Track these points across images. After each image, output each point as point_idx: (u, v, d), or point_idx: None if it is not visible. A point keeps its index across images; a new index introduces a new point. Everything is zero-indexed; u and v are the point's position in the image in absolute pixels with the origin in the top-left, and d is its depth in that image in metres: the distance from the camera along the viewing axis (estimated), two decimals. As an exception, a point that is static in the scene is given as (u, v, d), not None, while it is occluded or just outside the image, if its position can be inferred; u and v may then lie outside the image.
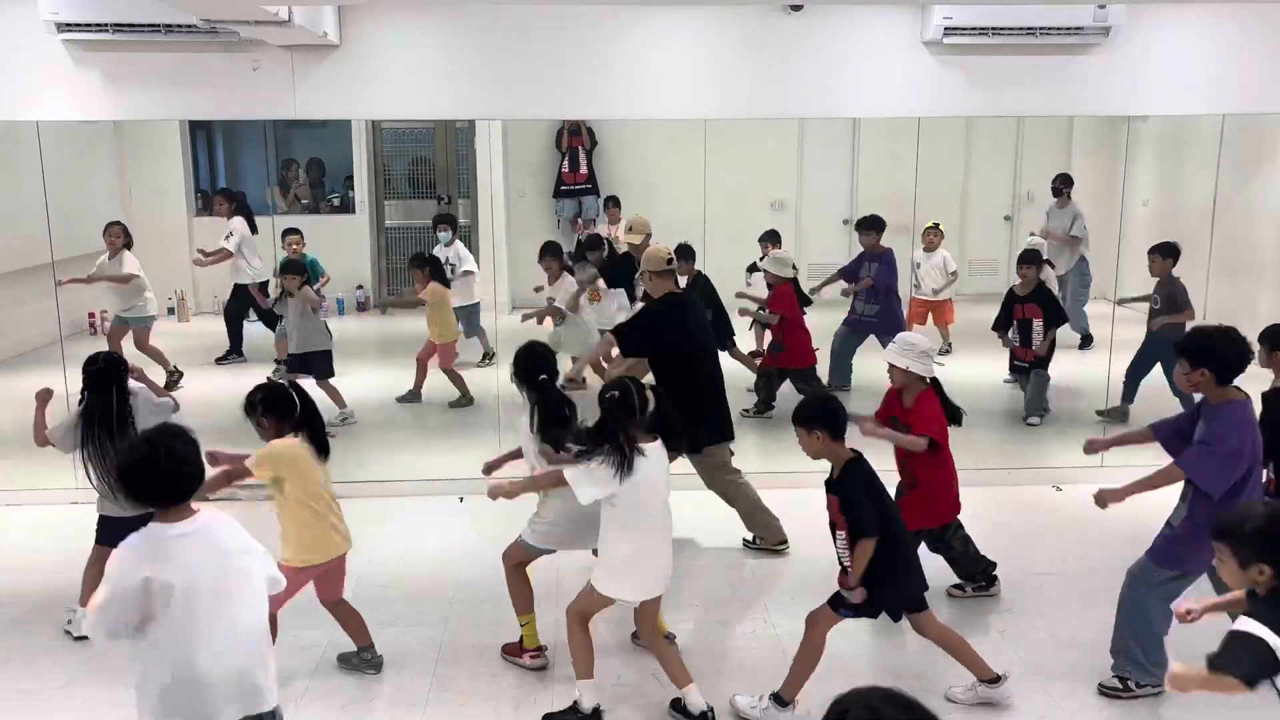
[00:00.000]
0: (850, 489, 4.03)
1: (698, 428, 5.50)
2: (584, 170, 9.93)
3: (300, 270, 7.70)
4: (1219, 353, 4.14)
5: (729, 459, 5.84)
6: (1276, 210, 8.78)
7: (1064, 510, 6.39)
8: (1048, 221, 9.31)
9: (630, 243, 7.34)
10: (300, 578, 4.33)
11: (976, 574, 5.20)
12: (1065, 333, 8.60)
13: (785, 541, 5.75)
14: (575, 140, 9.89)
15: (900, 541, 4.10)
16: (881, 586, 4.08)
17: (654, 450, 4.06)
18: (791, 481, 5.68)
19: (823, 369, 7.98)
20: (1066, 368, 8.08)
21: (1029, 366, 7.74)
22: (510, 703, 4.32)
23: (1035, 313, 7.61)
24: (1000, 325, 7.85)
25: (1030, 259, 7.72)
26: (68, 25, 6.06)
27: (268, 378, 4.87)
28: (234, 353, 8.94)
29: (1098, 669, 4.41)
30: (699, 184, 7.14)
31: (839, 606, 4.11)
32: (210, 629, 2.94)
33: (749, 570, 5.63)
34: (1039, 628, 4.90)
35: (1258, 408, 4.40)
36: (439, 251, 8.62)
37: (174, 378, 8.29)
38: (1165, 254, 7.42)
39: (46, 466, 5.08)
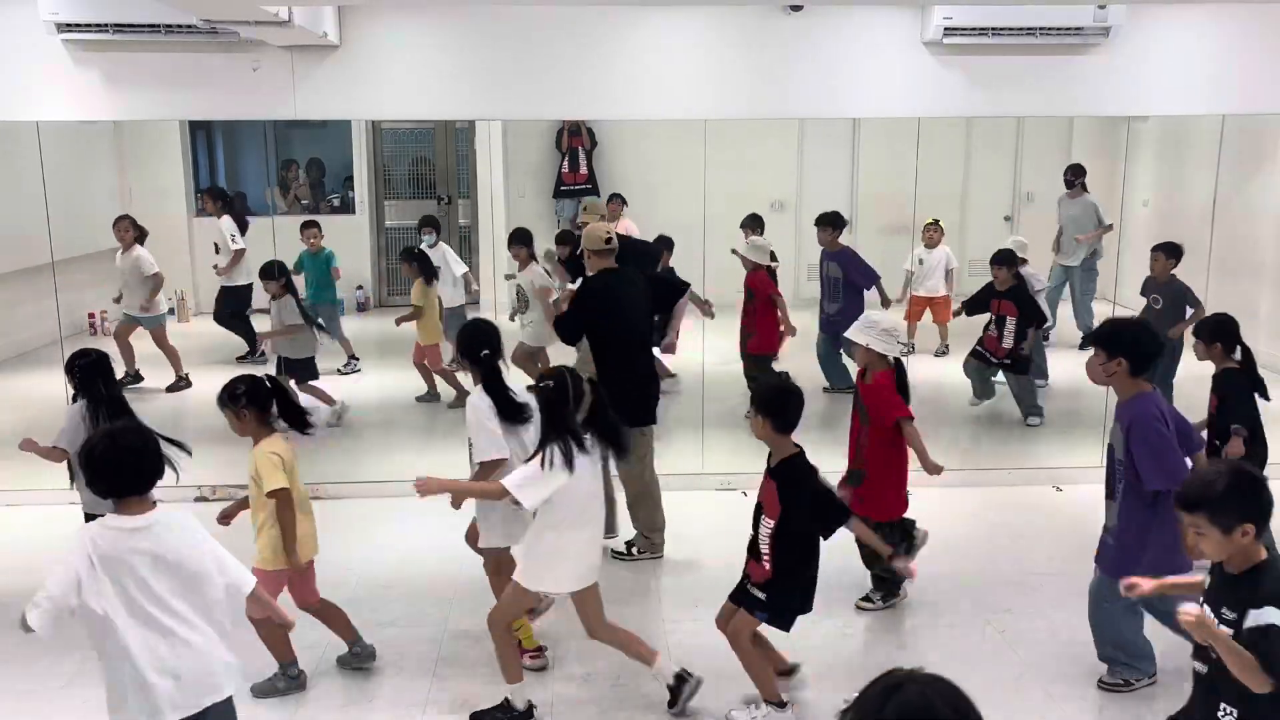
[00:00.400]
0: (801, 478, 4.01)
1: (623, 409, 5.57)
2: (584, 171, 9.92)
3: (278, 275, 7.54)
4: (1136, 342, 4.12)
5: (651, 449, 5.80)
6: (1276, 210, 8.78)
7: (1064, 510, 6.39)
8: (1059, 212, 9.28)
9: (584, 222, 7.23)
10: (281, 580, 4.32)
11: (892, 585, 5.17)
12: (1070, 331, 8.61)
13: (661, 546, 5.78)
14: (575, 140, 9.88)
15: (818, 548, 4.10)
16: (801, 592, 4.10)
17: (590, 443, 4.05)
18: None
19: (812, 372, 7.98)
20: (1066, 367, 8.08)
21: (994, 361, 7.71)
22: (510, 703, 4.32)
23: (1010, 310, 7.60)
24: (971, 308, 7.88)
25: (1002, 259, 7.69)
26: (68, 25, 6.06)
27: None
28: (252, 352, 8.80)
29: (1097, 669, 4.42)
30: (699, 184, 7.14)
31: (754, 610, 4.10)
32: (157, 623, 2.99)
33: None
34: (1039, 628, 4.90)
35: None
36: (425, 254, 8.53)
37: (182, 384, 8.27)
38: (1169, 254, 7.40)
39: (46, 466, 5.08)
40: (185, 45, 6.23)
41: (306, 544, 4.39)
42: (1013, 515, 6.30)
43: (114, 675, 3.04)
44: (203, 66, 6.31)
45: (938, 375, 8.67)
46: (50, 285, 7.27)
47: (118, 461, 3.04)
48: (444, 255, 8.61)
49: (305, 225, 8.67)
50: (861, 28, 6.53)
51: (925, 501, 6.40)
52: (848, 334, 5.00)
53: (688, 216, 7.63)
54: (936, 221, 8.81)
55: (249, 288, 8.64)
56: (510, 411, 4.38)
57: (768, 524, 4.03)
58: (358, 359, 8.85)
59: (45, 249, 6.99)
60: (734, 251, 7.87)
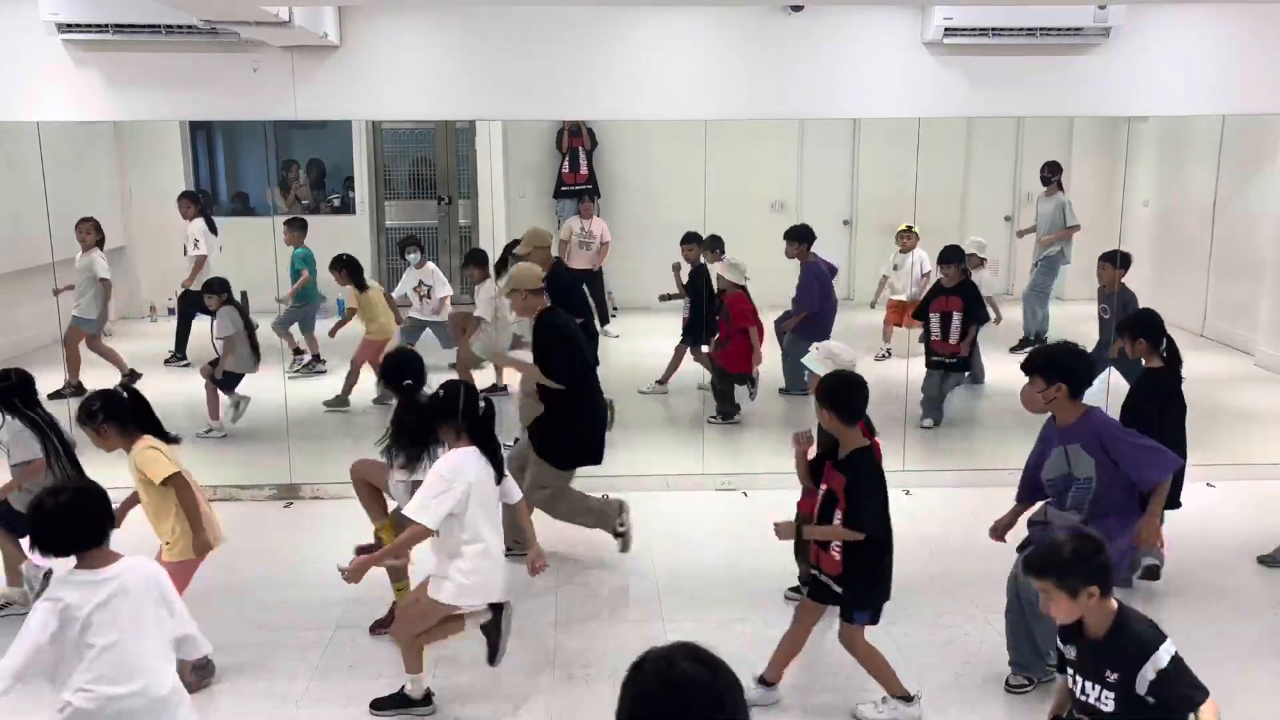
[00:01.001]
0: (861, 476, 4.01)
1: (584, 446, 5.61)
2: (584, 171, 9.92)
3: (221, 290, 7.51)
4: (1071, 367, 4.18)
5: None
6: (1276, 210, 8.78)
7: (1064, 510, 6.38)
8: (1036, 208, 9.29)
9: (524, 253, 6.78)
10: (189, 571, 4.32)
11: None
12: (1054, 330, 8.60)
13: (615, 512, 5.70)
14: (576, 141, 9.88)
15: (891, 543, 4.12)
16: (880, 586, 4.11)
17: (476, 455, 4.05)
18: (778, 483, 5.62)
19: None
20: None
21: (945, 363, 7.63)
22: (511, 703, 4.32)
23: (956, 305, 7.53)
24: (920, 315, 7.78)
25: (949, 257, 7.61)
26: (68, 26, 6.06)
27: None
28: (179, 355, 8.72)
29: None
30: (699, 185, 7.14)
31: (852, 619, 4.12)
32: (108, 665, 3.06)
33: (749, 570, 5.62)
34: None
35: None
36: (410, 274, 8.49)
37: (67, 390, 7.89)
38: (1115, 264, 7.28)
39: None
40: (185, 46, 6.23)
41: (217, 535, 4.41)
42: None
43: (66, 706, 3.11)
44: (203, 67, 6.31)
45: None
46: (50, 285, 7.28)
47: (68, 523, 3.10)
48: (434, 274, 8.56)
49: (287, 223, 8.61)
50: (861, 28, 6.53)
51: (927, 501, 6.43)
52: (806, 362, 4.92)
53: (688, 217, 7.63)
54: (910, 228, 8.80)
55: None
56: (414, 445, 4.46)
57: (840, 515, 4.04)
58: (304, 354, 8.82)
59: (46, 250, 6.99)
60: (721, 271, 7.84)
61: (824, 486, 4.15)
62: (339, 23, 6.27)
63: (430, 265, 8.65)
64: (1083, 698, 3.03)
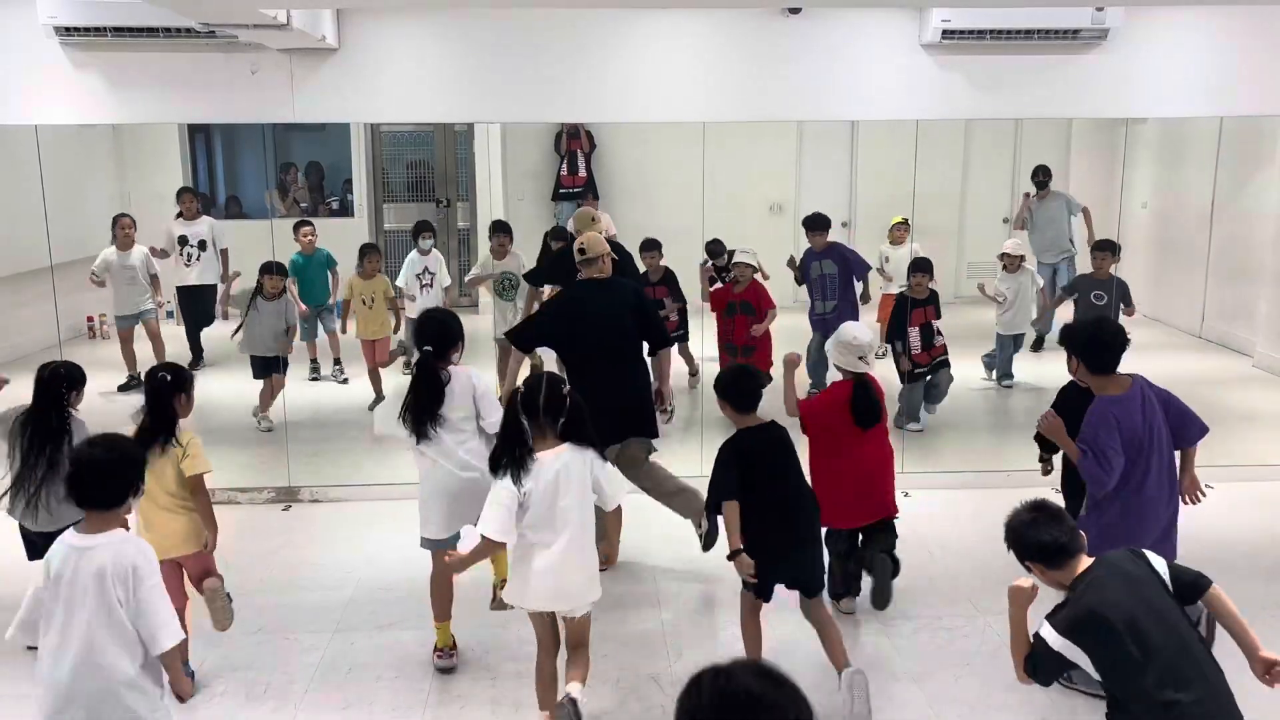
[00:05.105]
0: (720, 454, 4.17)
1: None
2: (583, 174, 9.93)
3: (284, 272, 7.58)
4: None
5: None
6: (1275, 211, 8.79)
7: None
8: (1027, 214, 9.29)
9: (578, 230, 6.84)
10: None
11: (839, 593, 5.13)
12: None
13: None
14: (574, 143, 9.89)
15: (768, 515, 4.15)
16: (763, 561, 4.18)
17: (551, 457, 3.77)
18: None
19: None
20: (1048, 370, 8.08)
21: (928, 369, 7.56)
22: (510, 704, 4.32)
23: (934, 314, 7.55)
24: (898, 334, 7.52)
25: (922, 266, 7.58)
26: (66, 29, 6.07)
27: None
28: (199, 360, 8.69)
29: (1098, 670, 4.41)
30: (698, 187, 7.14)
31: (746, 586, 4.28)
32: (58, 643, 3.09)
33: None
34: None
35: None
36: (416, 260, 8.36)
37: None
38: (1115, 252, 7.43)
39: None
40: (184, 48, 6.23)
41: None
42: (1012, 517, 6.28)
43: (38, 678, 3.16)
44: (201, 70, 6.31)
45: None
46: (49, 289, 7.26)
47: (81, 474, 3.13)
48: (439, 263, 8.53)
49: (298, 224, 8.59)
50: (859, 31, 6.54)
51: (926, 503, 6.43)
52: (830, 351, 5.03)
53: (687, 219, 7.64)
54: (905, 221, 8.81)
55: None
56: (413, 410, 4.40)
57: None
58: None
59: (44, 253, 6.99)
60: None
61: None
62: (337, 25, 6.27)
63: (436, 253, 8.55)
64: None
